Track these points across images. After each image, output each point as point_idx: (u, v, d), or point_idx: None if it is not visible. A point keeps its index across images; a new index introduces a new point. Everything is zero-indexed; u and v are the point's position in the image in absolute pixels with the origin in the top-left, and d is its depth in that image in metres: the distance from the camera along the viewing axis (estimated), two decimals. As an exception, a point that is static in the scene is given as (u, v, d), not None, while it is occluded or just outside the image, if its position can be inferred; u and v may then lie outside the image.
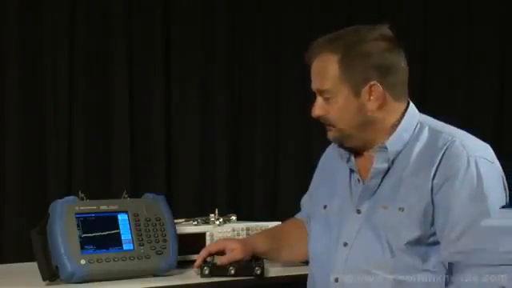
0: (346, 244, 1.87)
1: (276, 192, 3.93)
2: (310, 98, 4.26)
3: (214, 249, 2.12)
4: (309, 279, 2.00)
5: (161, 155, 3.63)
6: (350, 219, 1.88)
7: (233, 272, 2.08)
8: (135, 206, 2.20)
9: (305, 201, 2.19)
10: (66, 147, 3.53)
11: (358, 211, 1.87)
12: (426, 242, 1.80)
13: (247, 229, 2.46)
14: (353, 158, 1.93)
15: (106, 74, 3.63)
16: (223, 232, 2.42)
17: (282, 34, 3.99)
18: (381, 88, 1.83)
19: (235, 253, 2.08)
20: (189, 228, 2.39)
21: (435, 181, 1.79)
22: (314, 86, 1.89)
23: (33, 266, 2.11)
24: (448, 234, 1.77)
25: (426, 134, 1.86)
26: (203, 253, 2.12)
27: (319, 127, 3.99)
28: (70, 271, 2.04)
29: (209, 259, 2.12)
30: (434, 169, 1.79)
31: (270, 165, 3.98)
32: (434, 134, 1.85)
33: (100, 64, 3.62)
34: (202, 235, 2.40)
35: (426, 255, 1.80)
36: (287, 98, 4.00)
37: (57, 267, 2.05)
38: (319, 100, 1.89)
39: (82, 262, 2.06)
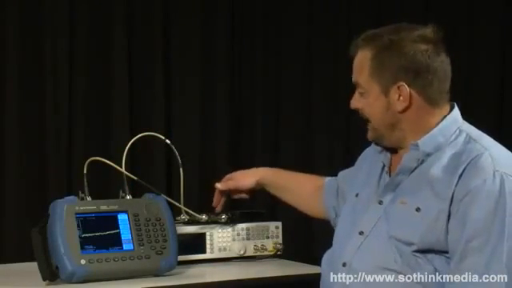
0: (361, 233, 1.86)
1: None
2: (310, 97, 4.25)
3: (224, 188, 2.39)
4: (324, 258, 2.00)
5: (161, 155, 3.64)
6: (371, 209, 1.88)
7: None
8: (135, 206, 2.20)
9: (341, 174, 2.23)
10: (66, 147, 3.53)
11: (380, 202, 1.87)
12: (433, 248, 1.77)
13: (247, 229, 2.46)
14: (387, 152, 1.94)
15: (106, 74, 3.63)
16: (223, 232, 2.43)
17: (282, 34, 3.99)
18: (408, 90, 1.83)
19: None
20: (189, 228, 2.39)
21: (456, 191, 1.74)
22: (352, 78, 1.92)
23: (33, 265, 2.11)
24: (457, 250, 1.73)
25: (461, 140, 1.83)
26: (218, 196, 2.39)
27: (319, 127, 4.02)
28: (70, 271, 2.04)
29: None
30: (457, 177, 1.75)
31: (271, 166, 3.97)
32: (469, 142, 1.82)
33: (100, 64, 3.62)
34: (202, 235, 2.40)
35: (432, 259, 1.77)
36: (287, 98, 4.00)
37: (57, 267, 2.05)
38: (356, 93, 1.92)
39: (82, 262, 2.06)
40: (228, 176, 2.42)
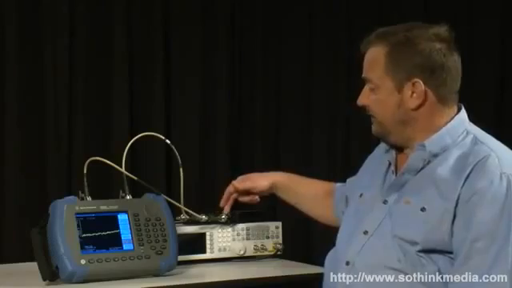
0: (366, 232, 1.87)
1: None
2: (310, 97, 4.24)
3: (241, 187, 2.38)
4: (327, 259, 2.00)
5: (161, 155, 3.64)
6: (376, 208, 1.88)
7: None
8: (135, 206, 2.21)
9: (348, 181, 2.22)
10: (66, 147, 3.52)
11: (385, 202, 1.88)
12: (437, 248, 1.77)
13: (247, 229, 2.46)
14: (393, 151, 1.94)
15: (106, 74, 3.63)
16: (223, 232, 2.43)
17: (282, 34, 3.99)
18: (423, 87, 1.83)
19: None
20: (189, 228, 2.39)
21: (463, 192, 1.75)
22: (363, 73, 1.91)
23: (33, 265, 2.11)
24: (462, 251, 1.73)
25: (468, 142, 1.83)
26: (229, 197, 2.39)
27: (319, 127, 4.02)
28: (70, 271, 2.04)
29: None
30: (464, 179, 1.76)
31: (271, 166, 3.97)
32: (475, 144, 1.82)
33: (100, 64, 3.62)
34: (202, 235, 2.40)
35: (437, 260, 1.77)
36: (287, 98, 4.00)
37: (57, 267, 2.05)
38: (365, 89, 1.91)
39: (82, 261, 2.06)
40: (244, 176, 2.40)
